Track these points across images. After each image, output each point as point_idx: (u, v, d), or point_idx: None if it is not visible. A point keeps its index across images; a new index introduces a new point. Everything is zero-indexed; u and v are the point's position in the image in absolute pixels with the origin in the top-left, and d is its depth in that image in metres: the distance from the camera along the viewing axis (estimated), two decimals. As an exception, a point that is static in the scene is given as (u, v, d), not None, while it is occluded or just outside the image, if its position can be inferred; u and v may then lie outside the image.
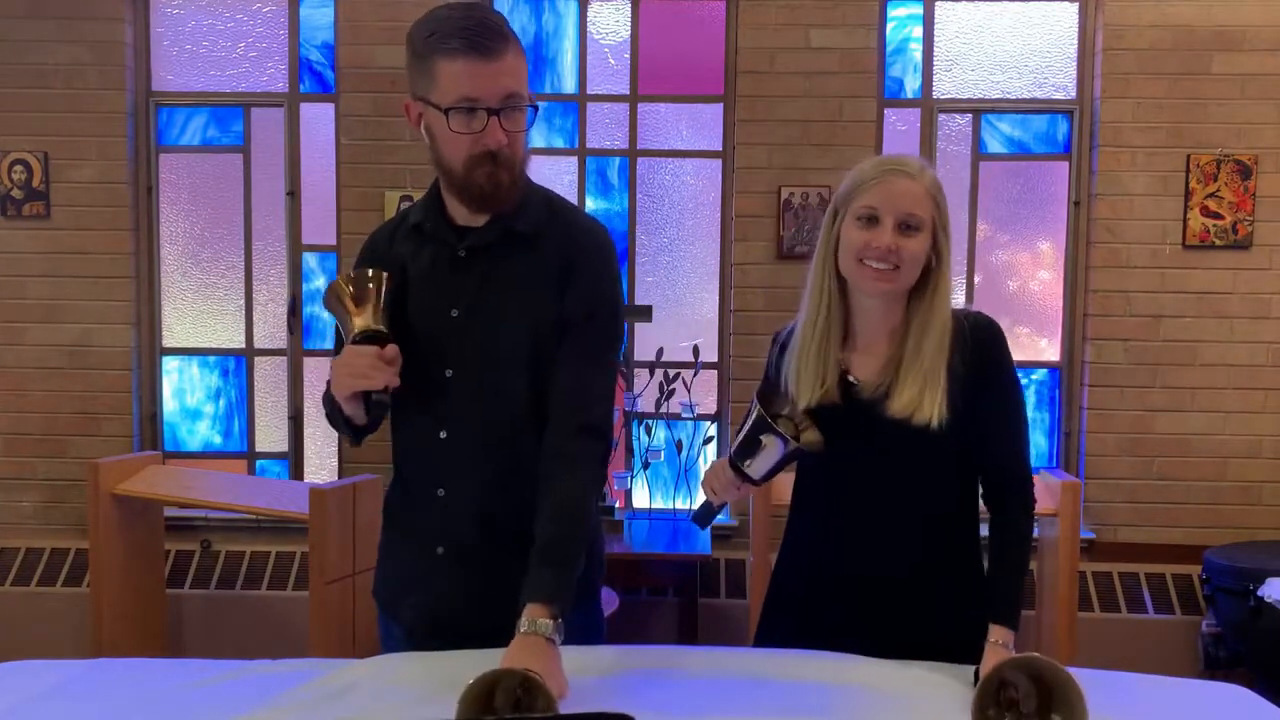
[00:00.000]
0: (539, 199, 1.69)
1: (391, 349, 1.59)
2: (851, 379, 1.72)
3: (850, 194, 1.69)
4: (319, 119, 4.10)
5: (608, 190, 4.13)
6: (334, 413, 1.71)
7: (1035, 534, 3.74)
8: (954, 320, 1.69)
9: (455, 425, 1.66)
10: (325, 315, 4.15)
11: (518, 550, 1.62)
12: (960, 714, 1.41)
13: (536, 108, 1.61)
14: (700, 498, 1.82)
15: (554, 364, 1.62)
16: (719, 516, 1.83)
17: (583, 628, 1.74)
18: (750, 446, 1.67)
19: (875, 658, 1.60)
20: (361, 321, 1.62)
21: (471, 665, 1.57)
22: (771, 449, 1.65)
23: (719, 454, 4.05)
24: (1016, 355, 1.76)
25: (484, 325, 1.63)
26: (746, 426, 1.68)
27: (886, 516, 1.71)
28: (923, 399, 1.64)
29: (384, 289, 1.64)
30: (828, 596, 1.75)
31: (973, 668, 1.58)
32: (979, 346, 1.69)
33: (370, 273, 1.66)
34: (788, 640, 1.71)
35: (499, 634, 1.64)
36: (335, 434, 4.08)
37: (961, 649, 1.63)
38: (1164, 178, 3.85)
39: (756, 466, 1.67)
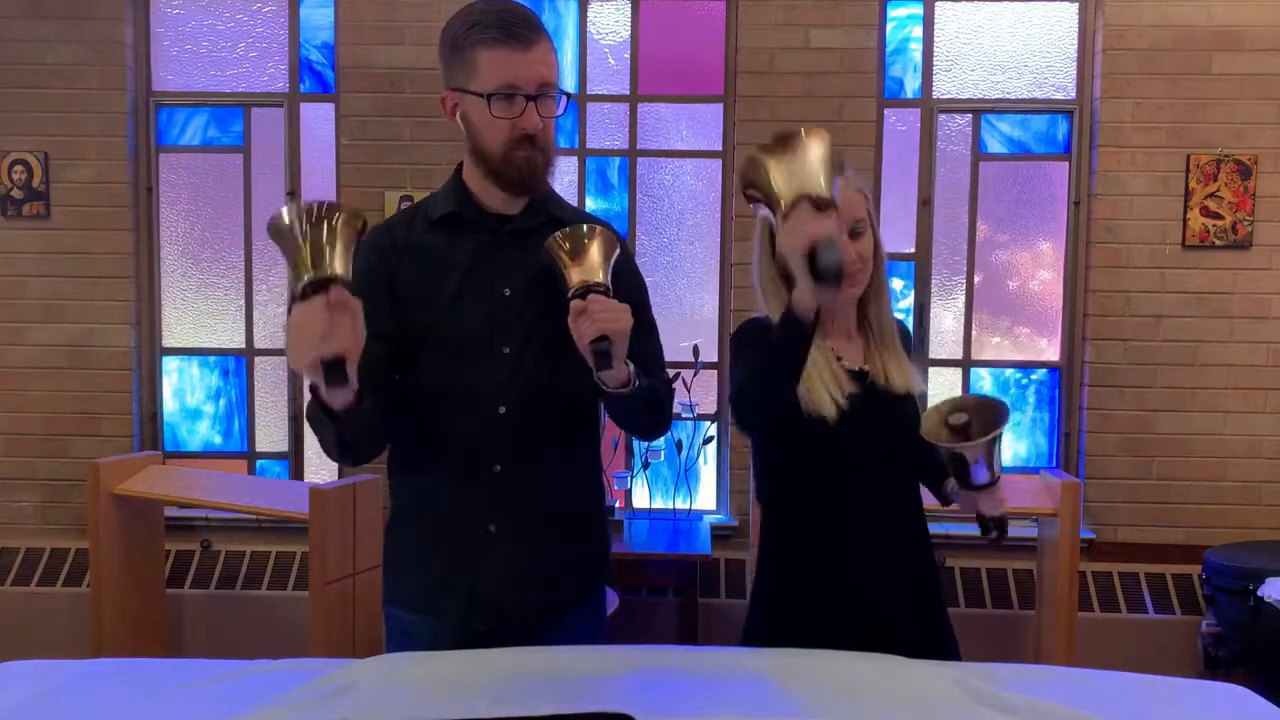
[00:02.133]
0: (554, 191, 1.82)
1: (339, 293, 1.40)
2: (850, 365, 1.80)
3: None
4: (319, 119, 4.10)
5: (608, 190, 4.13)
6: (320, 425, 1.61)
7: (1036, 532, 3.77)
8: None
9: (516, 400, 1.71)
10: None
11: (569, 528, 1.75)
12: (960, 711, 1.42)
13: (568, 95, 1.72)
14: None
15: None
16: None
17: (588, 626, 1.76)
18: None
19: (873, 653, 1.61)
20: (309, 268, 1.38)
21: (471, 666, 1.57)
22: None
23: (719, 454, 4.06)
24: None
25: (539, 303, 1.70)
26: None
27: (879, 507, 1.77)
28: (905, 368, 1.79)
29: (349, 231, 1.42)
30: (818, 589, 1.77)
31: (965, 663, 1.62)
32: (905, 342, 1.87)
33: (328, 207, 1.42)
34: (777, 637, 1.73)
35: (547, 614, 1.72)
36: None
37: (931, 647, 1.69)
38: (1164, 178, 3.85)
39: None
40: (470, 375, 1.71)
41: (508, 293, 1.73)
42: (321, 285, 1.38)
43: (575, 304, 1.58)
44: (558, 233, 1.64)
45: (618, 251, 1.67)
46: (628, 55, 4.08)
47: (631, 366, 1.63)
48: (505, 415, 1.71)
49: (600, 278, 1.61)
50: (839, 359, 1.78)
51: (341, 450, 1.63)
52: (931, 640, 1.76)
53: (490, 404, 1.71)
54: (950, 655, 1.78)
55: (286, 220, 1.41)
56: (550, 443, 1.73)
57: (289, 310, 1.44)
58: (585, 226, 1.65)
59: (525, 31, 1.64)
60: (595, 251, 1.63)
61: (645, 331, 1.79)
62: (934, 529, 1.91)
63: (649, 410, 1.77)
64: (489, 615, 1.72)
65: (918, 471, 1.85)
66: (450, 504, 1.75)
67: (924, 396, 1.79)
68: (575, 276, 1.60)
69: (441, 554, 1.75)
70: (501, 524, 1.72)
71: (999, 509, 1.71)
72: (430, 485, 1.77)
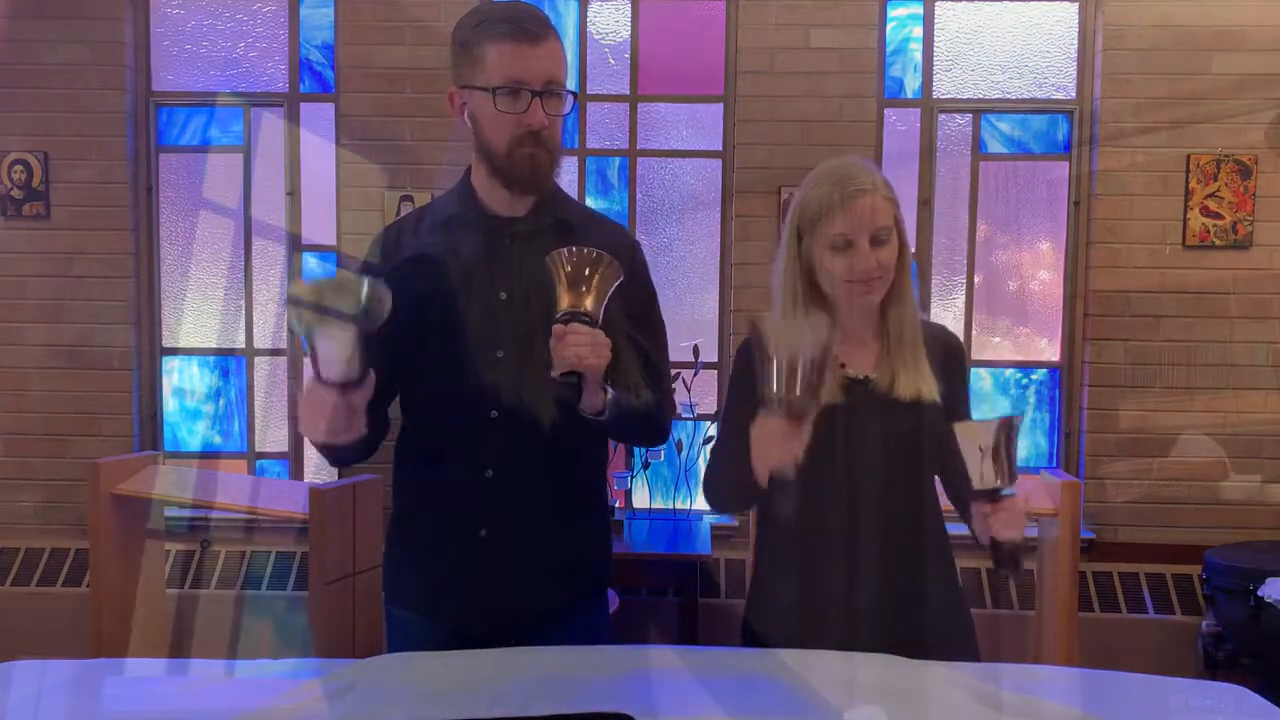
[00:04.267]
0: (564, 192, 1.82)
1: (361, 396, 1.54)
2: (853, 373, 1.75)
3: (815, 220, 1.71)
4: (319, 119, 4.10)
5: (608, 190, 4.13)
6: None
7: (1036, 532, 3.76)
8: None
9: (507, 405, 1.69)
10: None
11: (561, 532, 1.73)
12: (960, 711, 1.41)
13: (576, 95, 1.72)
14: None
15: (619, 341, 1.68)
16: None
17: (589, 628, 1.76)
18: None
19: (873, 653, 1.61)
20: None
21: (471, 666, 1.57)
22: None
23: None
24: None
25: (535, 306, 1.67)
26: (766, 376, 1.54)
27: (891, 510, 1.73)
28: (918, 376, 1.73)
29: (365, 292, 1.55)
30: (828, 587, 1.75)
31: (968, 664, 1.61)
32: (947, 353, 1.80)
33: (347, 275, 1.59)
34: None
35: (546, 618, 1.70)
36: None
37: (942, 648, 1.66)
38: (1164, 178, 3.85)
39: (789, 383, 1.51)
40: (462, 378, 1.69)
41: (504, 296, 1.71)
42: (349, 384, 1.52)
43: (556, 328, 1.56)
44: (565, 250, 1.59)
45: (618, 281, 1.62)
46: (628, 55, 4.08)
47: (610, 393, 1.62)
48: (496, 420, 1.70)
49: (588, 307, 1.58)
50: (843, 365, 1.76)
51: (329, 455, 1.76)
52: (945, 643, 1.72)
53: (482, 408, 1.70)
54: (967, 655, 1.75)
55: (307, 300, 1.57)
56: (544, 448, 1.70)
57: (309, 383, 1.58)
58: (594, 253, 1.60)
59: (533, 28, 1.64)
60: (593, 280, 1.59)
61: (649, 337, 1.81)
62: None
63: (636, 430, 1.82)
64: (484, 619, 1.71)
65: (946, 482, 1.80)
66: (445, 507, 1.75)
67: (935, 404, 1.74)
68: (565, 300, 1.58)
69: (438, 556, 1.75)
70: (493, 529, 1.71)
71: (1013, 530, 1.56)
72: (427, 487, 1.77)
